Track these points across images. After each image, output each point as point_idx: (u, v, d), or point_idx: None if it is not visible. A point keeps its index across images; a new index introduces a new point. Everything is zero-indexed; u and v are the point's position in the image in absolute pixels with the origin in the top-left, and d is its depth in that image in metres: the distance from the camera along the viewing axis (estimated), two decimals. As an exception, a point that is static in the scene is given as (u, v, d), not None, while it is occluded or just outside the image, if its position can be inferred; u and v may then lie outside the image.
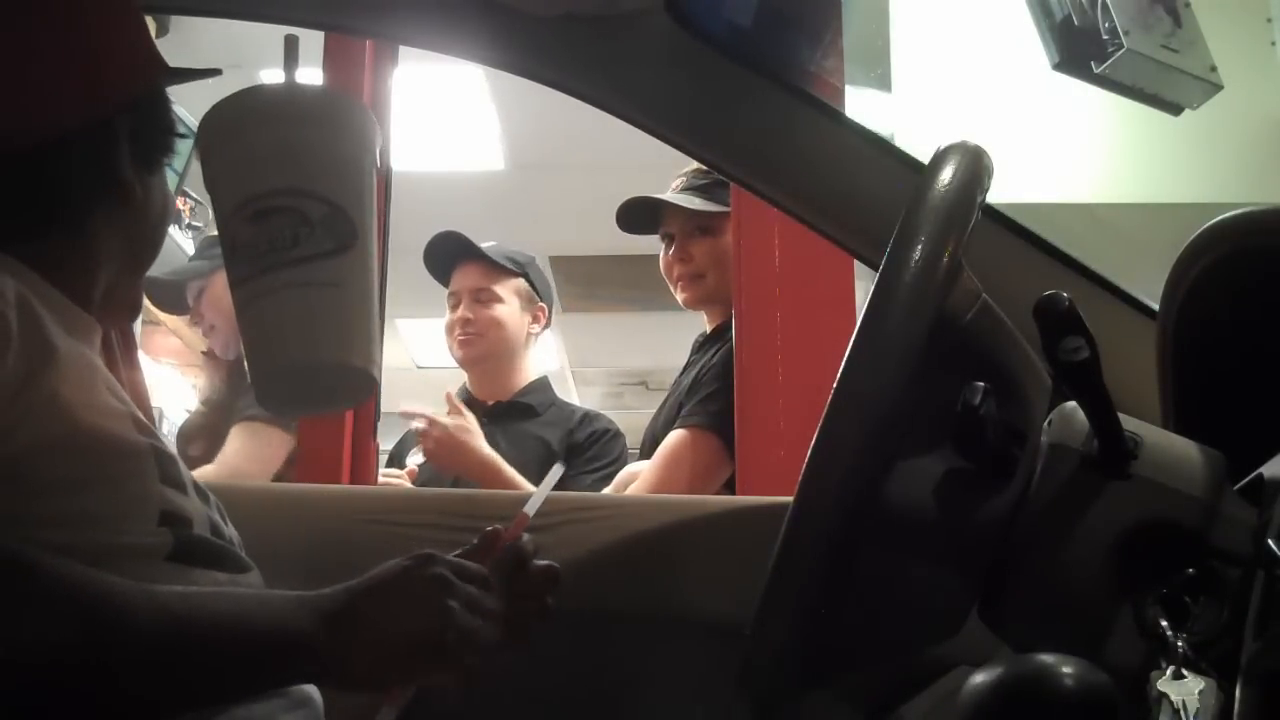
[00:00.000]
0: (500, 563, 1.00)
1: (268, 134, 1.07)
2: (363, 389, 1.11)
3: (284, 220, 1.04)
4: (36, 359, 0.86)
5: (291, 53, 1.14)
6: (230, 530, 1.02)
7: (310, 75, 2.12)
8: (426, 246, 2.66)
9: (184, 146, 3.26)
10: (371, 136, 1.12)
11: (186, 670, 0.80)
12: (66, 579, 0.77)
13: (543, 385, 2.69)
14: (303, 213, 1.04)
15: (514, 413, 2.58)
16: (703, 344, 2.39)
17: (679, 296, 2.38)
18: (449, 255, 2.68)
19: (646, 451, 2.32)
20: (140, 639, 0.78)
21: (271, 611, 0.85)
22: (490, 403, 2.60)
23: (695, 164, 2.27)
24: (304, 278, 1.03)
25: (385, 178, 2.05)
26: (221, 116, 1.09)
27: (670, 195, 2.33)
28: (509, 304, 2.64)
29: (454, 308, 2.65)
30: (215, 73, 1.14)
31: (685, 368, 2.40)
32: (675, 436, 2.19)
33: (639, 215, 2.40)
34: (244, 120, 1.09)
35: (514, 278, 2.66)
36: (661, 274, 2.41)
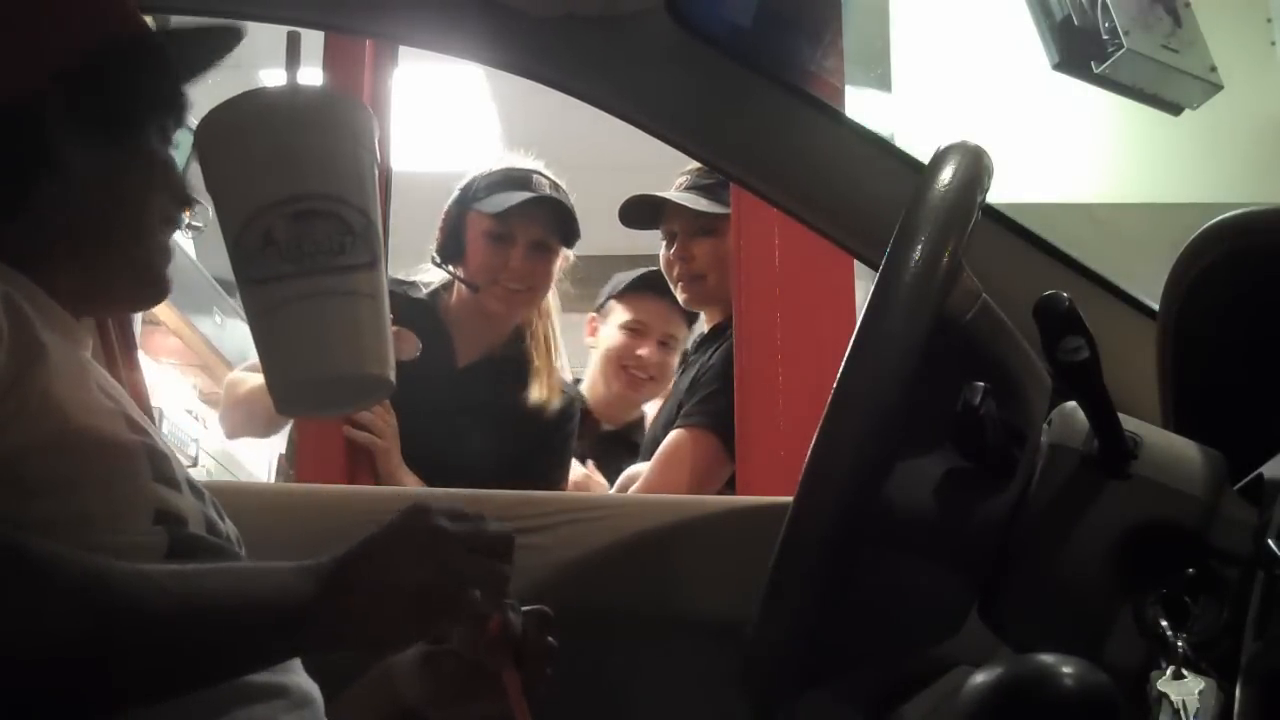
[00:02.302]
0: (494, 642, 0.96)
1: (307, 136, 1.06)
2: (380, 393, 1.12)
3: (329, 226, 1.03)
4: (25, 358, 0.85)
5: (294, 49, 1.14)
6: (228, 526, 1.01)
7: (310, 75, 2.12)
8: (640, 280, 2.53)
9: (184, 140, 3.24)
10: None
11: (190, 647, 0.80)
12: (63, 563, 0.76)
13: (642, 421, 2.64)
14: (346, 221, 1.03)
15: (618, 442, 2.55)
16: (700, 344, 2.38)
17: (679, 296, 2.37)
18: (646, 285, 2.55)
19: (648, 453, 2.32)
20: (142, 618, 0.77)
21: (270, 582, 0.84)
22: (603, 428, 2.57)
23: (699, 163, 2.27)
24: (348, 287, 1.03)
25: (385, 178, 2.05)
26: (253, 106, 1.07)
27: (674, 194, 2.32)
28: (678, 354, 2.55)
29: (636, 335, 2.52)
30: (236, 34, 1.09)
31: (684, 368, 2.40)
32: (674, 436, 2.19)
33: (642, 211, 2.39)
34: (276, 118, 1.07)
35: (688, 327, 2.55)
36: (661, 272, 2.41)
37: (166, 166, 1.05)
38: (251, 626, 0.82)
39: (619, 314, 2.55)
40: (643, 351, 2.50)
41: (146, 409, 1.40)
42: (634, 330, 2.52)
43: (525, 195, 2.20)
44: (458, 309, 2.29)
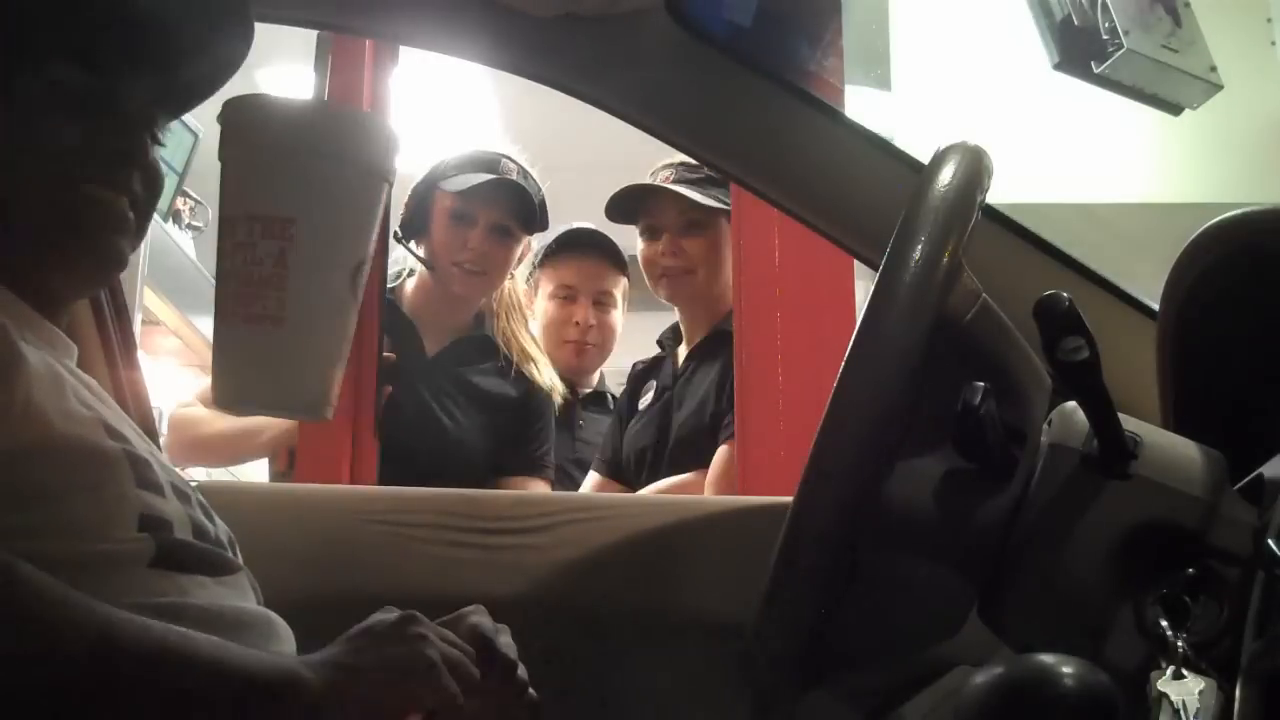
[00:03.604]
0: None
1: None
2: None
3: None
4: (6, 365, 0.85)
5: (323, 52, 1.17)
6: (218, 527, 1.00)
7: (308, 75, 2.12)
8: (561, 239, 2.48)
9: (182, 140, 3.24)
10: None
11: (172, 704, 0.77)
12: (57, 600, 0.74)
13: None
14: None
15: (599, 403, 2.55)
16: (702, 355, 2.27)
17: (662, 291, 2.28)
18: (567, 244, 2.49)
19: (675, 462, 2.19)
20: (126, 667, 0.75)
21: (261, 656, 0.83)
22: (581, 393, 2.55)
23: (680, 157, 2.18)
24: None
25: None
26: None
27: (680, 188, 2.23)
28: (619, 309, 2.50)
29: (565, 301, 2.47)
30: None
31: (685, 376, 2.28)
32: (726, 453, 2.11)
33: (631, 203, 2.30)
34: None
35: (624, 276, 2.49)
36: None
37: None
38: (237, 692, 0.79)
39: (545, 283, 2.49)
40: (578, 318, 2.45)
41: (147, 409, 1.40)
42: (564, 297, 2.47)
43: (489, 177, 2.21)
44: (417, 299, 2.31)
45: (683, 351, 2.34)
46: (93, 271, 1.01)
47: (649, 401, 2.34)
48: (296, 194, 1.15)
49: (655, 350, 2.46)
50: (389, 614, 0.89)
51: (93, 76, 0.97)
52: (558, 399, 2.35)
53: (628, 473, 2.28)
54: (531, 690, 1.01)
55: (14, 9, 0.95)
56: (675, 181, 2.24)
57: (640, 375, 2.42)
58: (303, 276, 1.15)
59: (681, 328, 2.35)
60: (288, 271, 1.15)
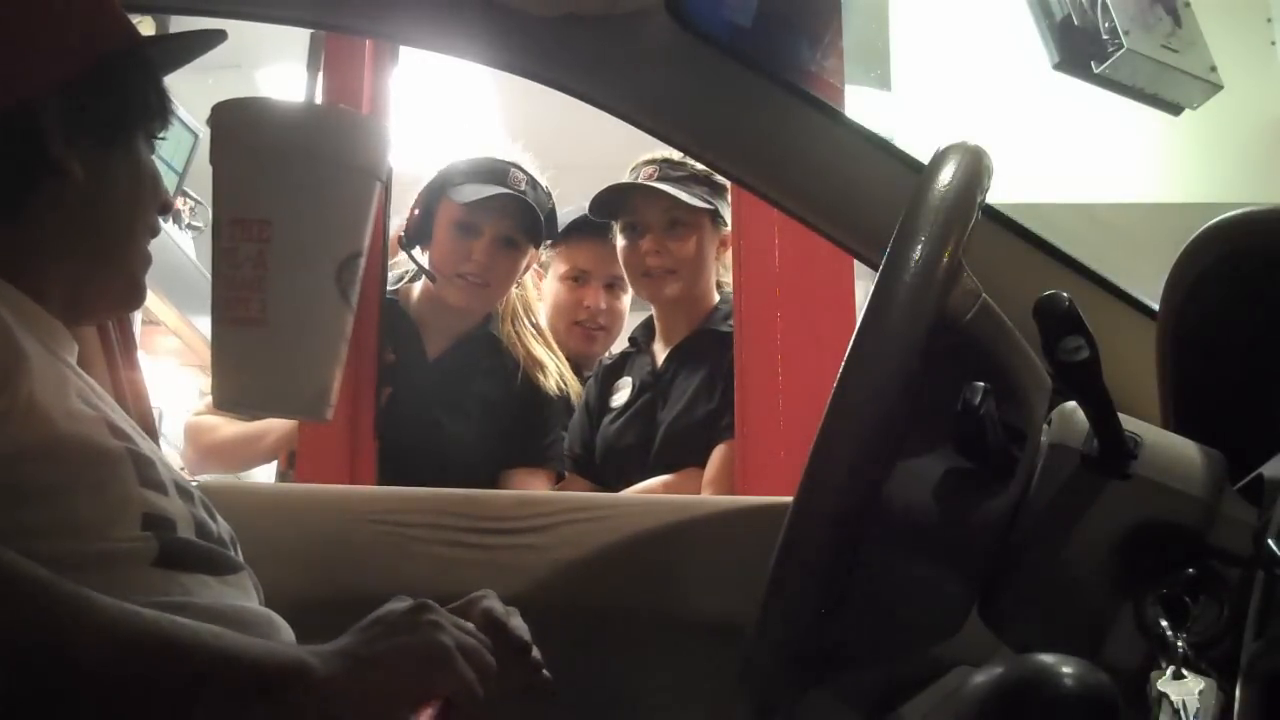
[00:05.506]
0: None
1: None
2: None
3: None
4: (8, 364, 0.85)
5: (316, 51, 1.17)
6: (220, 526, 1.00)
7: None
8: (575, 222, 2.36)
9: (182, 140, 3.24)
10: None
11: (179, 693, 0.76)
12: (63, 595, 0.74)
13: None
14: None
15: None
16: (686, 354, 2.24)
17: (643, 290, 2.25)
18: (581, 227, 2.38)
19: (661, 461, 2.17)
20: (134, 656, 0.75)
21: (268, 645, 0.83)
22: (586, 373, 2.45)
23: (663, 153, 2.18)
24: None
25: (386, 178, 2.04)
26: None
27: (666, 186, 2.20)
28: (629, 293, 2.42)
29: (576, 284, 2.42)
30: (219, 36, 1.10)
31: (671, 376, 2.24)
32: (724, 453, 2.10)
33: (612, 202, 2.26)
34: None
35: None
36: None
37: (155, 175, 1.06)
38: (236, 680, 0.78)
39: (557, 265, 2.45)
40: (589, 302, 2.42)
41: (146, 409, 1.40)
42: (575, 280, 2.43)
43: (497, 190, 2.17)
44: (421, 302, 2.28)
45: (659, 349, 2.30)
46: (130, 308, 1.11)
47: (626, 400, 2.29)
48: (273, 195, 1.15)
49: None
50: (401, 603, 0.89)
51: (147, 145, 1.05)
52: (574, 398, 2.31)
53: (603, 470, 2.24)
54: (546, 671, 1.02)
55: (123, 86, 1.02)
56: (659, 179, 2.21)
57: (610, 371, 2.35)
58: (282, 277, 1.15)
59: (658, 326, 2.31)
60: (267, 273, 1.15)
